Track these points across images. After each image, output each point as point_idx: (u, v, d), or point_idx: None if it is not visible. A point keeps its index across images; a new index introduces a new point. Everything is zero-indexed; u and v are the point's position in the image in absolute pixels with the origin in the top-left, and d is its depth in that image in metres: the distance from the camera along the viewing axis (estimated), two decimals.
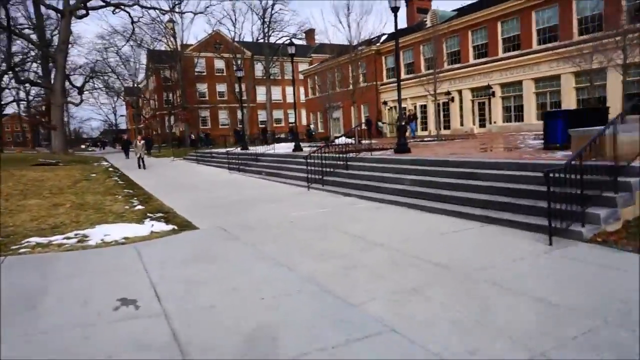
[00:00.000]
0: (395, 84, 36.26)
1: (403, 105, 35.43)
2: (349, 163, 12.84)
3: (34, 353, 3.48)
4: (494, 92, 27.78)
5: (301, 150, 19.17)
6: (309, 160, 12.62)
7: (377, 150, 14.67)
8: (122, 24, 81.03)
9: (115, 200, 11.59)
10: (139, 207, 10.46)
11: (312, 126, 48.95)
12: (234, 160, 19.50)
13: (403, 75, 35.28)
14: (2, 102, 46.15)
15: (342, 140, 19.17)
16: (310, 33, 68.50)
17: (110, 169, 22.98)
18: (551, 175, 5.83)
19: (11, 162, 25.71)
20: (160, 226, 8.10)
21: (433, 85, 23.76)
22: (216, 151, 24.98)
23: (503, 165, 9.02)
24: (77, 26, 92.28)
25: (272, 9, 53.34)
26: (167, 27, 53.53)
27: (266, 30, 54.31)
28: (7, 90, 46.55)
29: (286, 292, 4.66)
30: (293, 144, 20.89)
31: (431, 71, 26.53)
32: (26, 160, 27.53)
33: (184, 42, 55.63)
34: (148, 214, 9.47)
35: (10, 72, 30.30)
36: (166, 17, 55.23)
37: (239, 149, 24.60)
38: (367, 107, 39.00)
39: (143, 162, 22.32)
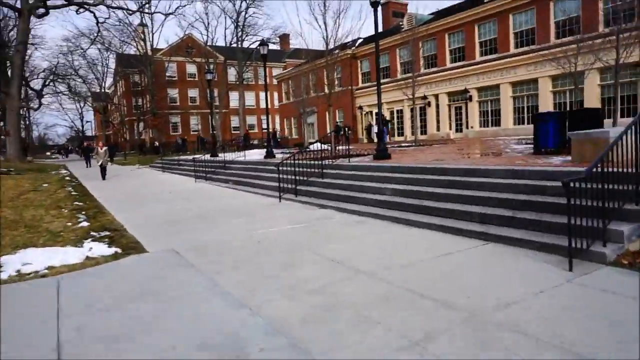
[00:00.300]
0: (370, 89, 35.63)
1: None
2: (324, 171, 11.66)
3: None
4: (471, 97, 27.16)
5: (273, 157, 17.92)
6: (281, 168, 11.37)
7: (355, 157, 13.55)
8: (89, 26, 77.93)
9: (59, 216, 10.09)
10: (84, 223, 9.01)
11: (277, 132, 47.68)
12: (200, 168, 18.07)
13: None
14: None
15: (317, 146, 18.09)
16: (284, 38, 67.45)
17: (68, 178, 21.18)
18: (572, 185, 4.78)
19: None
20: (101, 249, 6.72)
21: (411, 89, 22.89)
22: (184, 158, 23.47)
23: (496, 173, 7.99)
24: (40, 28, 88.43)
25: (246, 12, 52.03)
26: (137, 31, 51.57)
27: (239, 34, 52.93)
28: None
29: (244, 351, 3.41)
30: (265, 150, 19.62)
31: (409, 75, 25.74)
32: None
33: (155, 46, 53.76)
34: (92, 233, 8.06)
35: None
36: (135, 20, 53.41)
37: (207, 155, 23.19)
38: (342, 112, 38.02)
39: (104, 171, 19.72)
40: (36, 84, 43.04)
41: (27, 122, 61.30)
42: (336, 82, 38.32)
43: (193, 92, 60.51)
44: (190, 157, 22.40)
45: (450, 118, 29.18)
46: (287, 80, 44.98)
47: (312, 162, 11.92)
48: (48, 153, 76.99)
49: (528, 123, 24.16)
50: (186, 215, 9.70)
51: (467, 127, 27.85)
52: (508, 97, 25.11)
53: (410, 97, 23.53)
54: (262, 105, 66.68)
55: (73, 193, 14.97)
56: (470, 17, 26.64)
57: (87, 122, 69.11)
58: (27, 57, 52.60)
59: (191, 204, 11.49)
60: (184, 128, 59.59)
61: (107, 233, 8.13)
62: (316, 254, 6.03)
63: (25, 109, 42.49)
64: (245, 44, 54.23)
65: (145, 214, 10.11)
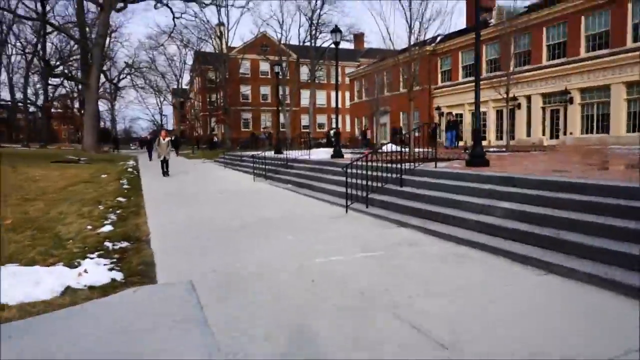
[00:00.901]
0: (451, 88, 32.33)
1: (459, 111, 31.29)
2: (404, 177, 9.15)
3: None
4: (571, 98, 23.20)
5: (341, 157, 15.62)
6: (349, 171, 9.01)
7: (442, 161, 10.88)
8: (170, 25, 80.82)
9: (87, 214, 8.44)
10: (106, 228, 7.21)
11: (332, 131, 45.09)
12: (261, 166, 16.18)
13: (461, 79, 31.17)
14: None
15: (390, 147, 15.75)
16: (359, 37, 65.16)
17: (130, 169, 20.27)
18: None
19: (36, 158, 23.65)
20: (96, 274, 4.75)
21: (505, 88, 19.68)
22: (247, 154, 21.84)
23: None
24: (127, 28, 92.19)
25: (321, 9, 50.37)
26: (214, 29, 51.63)
27: (313, 32, 51.39)
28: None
29: None
30: (332, 149, 17.39)
31: (500, 72, 22.43)
32: (55, 156, 25.49)
33: (230, 44, 53.56)
34: (105, 244, 6.18)
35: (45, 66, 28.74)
36: (213, 19, 53.69)
37: (271, 152, 21.43)
38: (417, 113, 34.97)
39: (167, 165, 17.27)
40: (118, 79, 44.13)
41: (112, 114, 63.89)
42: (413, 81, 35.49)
43: (265, 90, 59.93)
44: (255, 154, 20.76)
45: (544, 122, 25.29)
46: (360, 79, 42.59)
47: (388, 165, 9.45)
48: (132, 145, 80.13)
49: None
50: (231, 225, 7.64)
51: (564, 133, 23.90)
52: (621, 99, 20.98)
53: (499, 97, 20.29)
54: (334, 104, 64.89)
55: (124, 186, 13.61)
56: (576, 7, 22.70)
57: (164, 115, 70.97)
58: (110, 52, 54.91)
59: (241, 209, 9.46)
60: (255, 125, 59.11)
61: (124, 245, 6.23)
62: (403, 321, 3.59)
63: (109, 101, 43.62)
64: (319, 42, 52.66)
65: (183, 219, 8.20)
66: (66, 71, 35.06)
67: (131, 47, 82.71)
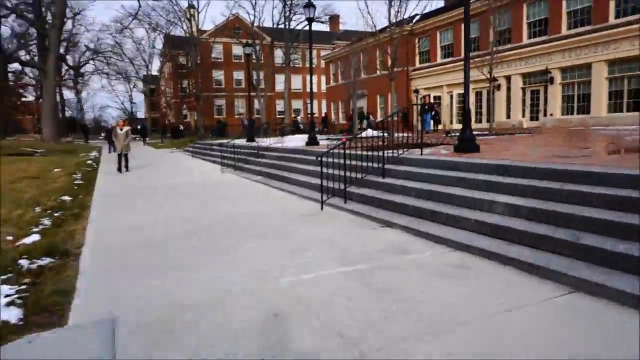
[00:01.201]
0: (429, 69, 31.34)
1: (438, 93, 30.35)
2: (387, 167, 8.07)
3: None
4: (552, 78, 22.49)
5: (317, 144, 14.46)
6: (325, 160, 7.87)
7: (427, 147, 9.83)
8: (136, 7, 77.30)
9: (17, 219, 7.10)
10: (31, 238, 5.91)
11: (299, 118, 44.21)
12: (230, 155, 14.88)
13: (439, 59, 30.17)
14: None
15: (369, 133, 14.74)
16: (334, 19, 63.57)
17: (90, 161, 18.68)
18: None
19: None
20: None
21: (488, 67, 18.76)
22: (217, 143, 20.48)
23: None
24: (91, 11, 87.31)
25: None
26: (185, 12, 49.26)
27: (287, 13, 49.55)
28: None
29: None
30: (307, 136, 16.21)
31: (482, 52, 21.51)
32: (8, 148, 23.55)
33: (200, 27, 51.26)
34: (20, 261, 4.91)
35: None
36: (183, 2, 51.26)
37: (243, 140, 20.13)
38: (395, 96, 33.95)
39: (126, 160, 14.53)
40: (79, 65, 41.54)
41: (79, 103, 60.89)
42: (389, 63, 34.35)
43: (238, 75, 57.95)
44: (223, 142, 19.45)
45: (524, 104, 24.57)
46: (335, 61, 41.25)
47: (368, 154, 8.34)
48: (102, 135, 77.03)
49: (629, 110, 19.42)
50: (184, 229, 6.43)
51: (544, 115, 23.25)
52: (602, 78, 20.32)
53: (479, 78, 19.38)
54: (309, 88, 63.41)
55: (76, 182, 12.18)
56: None
57: (134, 103, 68.17)
58: (73, 38, 51.98)
59: (202, 206, 8.24)
60: (229, 111, 57.27)
61: (45, 262, 4.97)
62: None
63: (71, 89, 41.11)
64: (293, 24, 50.87)
65: (130, 223, 6.95)
66: (25, 57, 32.64)
67: (96, 31, 78.11)
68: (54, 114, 27.99)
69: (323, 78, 63.16)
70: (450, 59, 28.67)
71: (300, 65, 61.12)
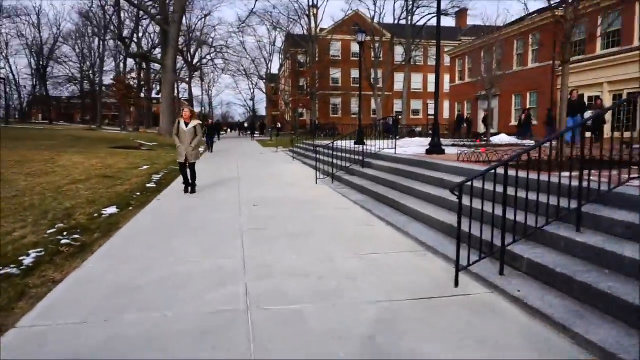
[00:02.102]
0: (584, 64, 25.11)
1: (596, 93, 24.17)
2: (589, 208, 4.26)
3: None
4: None
5: (441, 152, 10.75)
6: (470, 184, 4.33)
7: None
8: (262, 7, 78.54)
9: (10, 242, 4.82)
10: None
11: (391, 118, 38.60)
12: (330, 161, 11.82)
13: (599, 50, 23.94)
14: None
15: (503, 139, 11.03)
16: (462, 14, 57.70)
17: None
18: None
19: (103, 142, 21.71)
20: None
21: None
22: (323, 144, 17.70)
23: None
24: (220, 12, 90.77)
25: None
26: (304, 9, 48.05)
27: (410, 7, 45.48)
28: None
29: None
30: (428, 140, 12.50)
31: None
32: (123, 140, 23.60)
33: (319, 24, 49.66)
34: None
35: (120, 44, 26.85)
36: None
37: (352, 143, 17.07)
38: (534, 96, 28.20)
39: (192, 174, 9.48)
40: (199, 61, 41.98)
41: (209, 98, 63.74)
42: (530, 56, 28.67)
43: (356, 73, 55.24)
44: (328, 144, 16.58)
45: None
46: (462, 57, 36.20)
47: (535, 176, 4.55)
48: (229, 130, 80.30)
49: None
50: (213, 303, 3.48)
51: None
52: None
53: None
54: (430, 89, 58.33)
55: (147, 186, 10.16)
56: None
57: (249, 100, 69.52)
58: (204, 37, 53.94)
59: (257, 251, 5.22)
60: (344, 110, 55.01)
61: None
62: None
63: (186, 83, 41.90)
64: (415, 19, 46.63)
65: (133, 272, 4.21)
66: (142, 51, 33.78)
67: (223, 30, 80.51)
68: (172, 108, 27.84)
69: (446, 77, 57.86)
70: (615, 49, 22.42)
71: (422, 64, 56.56)
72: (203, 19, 51.04)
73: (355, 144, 17.36)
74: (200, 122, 10.32)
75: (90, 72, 56.04)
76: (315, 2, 47.30)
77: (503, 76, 20.95)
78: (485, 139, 18.10)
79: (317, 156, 12.24)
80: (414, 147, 13.79)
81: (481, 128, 33.27)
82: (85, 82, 58.09)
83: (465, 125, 32.96)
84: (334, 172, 11.21)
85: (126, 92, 20.16)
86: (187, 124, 9.23)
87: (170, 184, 10.96)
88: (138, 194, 9.09)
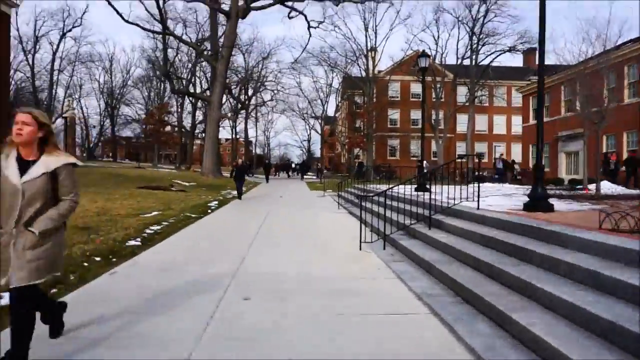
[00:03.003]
0: None
1: None
2: None
3: None
4: None
5: (550, 209, 7.01)
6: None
7: None
8: (319, 47, 77.71)
9: None
10: None
11: (425, 163, 34.02)
12: (381, 212, 8.40)
13: None
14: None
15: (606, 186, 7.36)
16: (530, 53, 53.25)
17: (215, 204, 14.43)
18: None
19: (136, 181, 19.67)
20: None
21: None
22: (376, 191, 14.34)
23: None
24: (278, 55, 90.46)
25: (485, 17, 40.88)
26: (362, 50, 46.05)
27: (474, 45, 42.02)
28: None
29: None
30: (504, 187, 8.72)
31: None
32: (162, 179, 21.56)
33: (377, 64, 47.29)
34: None
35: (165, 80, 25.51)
36: (361, 38, 48.30)
37: (412, 189, 13.64)
38: (633, 136, 23.31)
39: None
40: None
41: (266, 140, 62.76)
42: (627, 92, 24.01)
43: (415, 114, 51.92)
44: (379, 189, 13.21)
45: None
46: (533, 95, 31.77)
47: None
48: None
49: None
50: None
51: None
52: None
53: None
54: (496, 130, 53.57)
55: (124, 242, 7.29)
56: None
57: (305, 141, 67.74)
58: (262, 78, 53.33)
59: None
60: (402, 152, 51.44)
61: None
62: None
63: (231, 120, 40.33)
64: (481, 57, 42.97)
65: None
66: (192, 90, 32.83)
67: (280, 69, 79.40)
68: (217, 146, 25.81)
69: (513, 119, 52.92)
70: None
71: (487, 105, 52.24)
72: (262, 62, 50.53)
73: (416, 189, 13.80)
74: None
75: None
76: (373, 44, 45.18)
77: (613, 109, 16.70)
78: (591, 189, 13.90)
79: (363, 204, 8.82)
80: (497, 197, 10.04)
81: (562, 172, 28.40)
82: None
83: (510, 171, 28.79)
84: (388, 231, 7.76)
85: (158, 128, 18.57)
86: (24, 162, 2.83)
87: (166, 238, 8.05)
88: (98, 259, 6.15)
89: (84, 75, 55.81)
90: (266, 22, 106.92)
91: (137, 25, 23.71)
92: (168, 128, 41.31)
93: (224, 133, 79.66)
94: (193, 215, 11.19)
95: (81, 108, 57.61)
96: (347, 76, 50.93)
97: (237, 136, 62.58)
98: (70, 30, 46.18)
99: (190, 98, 35.56)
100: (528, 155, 32.11)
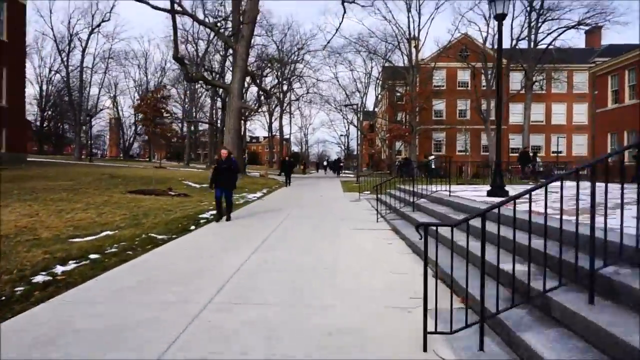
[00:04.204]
0: None
1: None
2: None
3: None
4: None
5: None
6: None
7: None
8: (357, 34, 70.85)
9: None
10: None
11: (432, 157, 28.31)
12: (437, 226, 4.19)
13: None
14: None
15: None
16: (593, 33, 46.49)
17: (210, 212, 10.64)
18: None
19: (134, 183, 16.25)
20: None
21: None
22: (434, 192, 9.96)
23: None
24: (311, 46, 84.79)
25: None
26: (404, 33, 41.23)
27: (533, 22, 36.24)
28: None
29: None
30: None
31: None
32: (170, 180, 18.13)
33: (421, 49, 42.23)
34: None
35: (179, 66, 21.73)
36: (402, 19, 43.34)
37: (483, 193, 9.33)
38: None
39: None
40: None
41: (305, 137, 59.11)
42: None
43: (462, 104, 46.52)
44: (444, 192, 8.87)
45: None
46: (613, 74, 25.95)
47: None
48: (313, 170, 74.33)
49: None
50: None
51: None
52: None
53: None
54: (554, 121, 47.05)
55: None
56: None
57: (342, 136, 63.49)
58: (294, 72, 49.51)
59: None
60: (449, 147, 46.17)
61: None
62: None
63: (251, 112, 36.38)
64: (540, 37, 37.10)
65: None
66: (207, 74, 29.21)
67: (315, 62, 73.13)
68: (238, 141, 22.11)
69: (578, 107, 46.32)
70: None
71: (544, 92, 45.88)
72: (297, 53, 46.78)
73: (489, 194, 9.47)
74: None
75: (192, 111, 54.85)
76: (417, 25, 40.19)
77: None
78: None
79: (425, 236, 4.48)
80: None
81: None
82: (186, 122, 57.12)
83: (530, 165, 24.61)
84: (492, 303, 3.42)
85: (153, 116, 15.13)
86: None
87: (49, 299, 4.19)
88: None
89: (119, 73, 54.07)
90: (300, 14, 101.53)
91: (146, 2, 20.27)
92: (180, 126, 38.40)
93: (261, 131, 76.62)
94: (160, 237, 7.33)
95: (116, 107, 56.03)
96: (387, 64, 46.24)
97: (273, 134, 59.36)
98: (99, 26, 43.86)
99: (217, 89, 32.03)
100: (605, 147, 26.33)
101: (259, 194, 16.63)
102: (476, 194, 9.54)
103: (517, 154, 32.19)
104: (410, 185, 12.54)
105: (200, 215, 10.02)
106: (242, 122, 56.13)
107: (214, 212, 10.08)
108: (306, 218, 10.37)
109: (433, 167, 27.07)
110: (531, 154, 27.49)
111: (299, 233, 8.23)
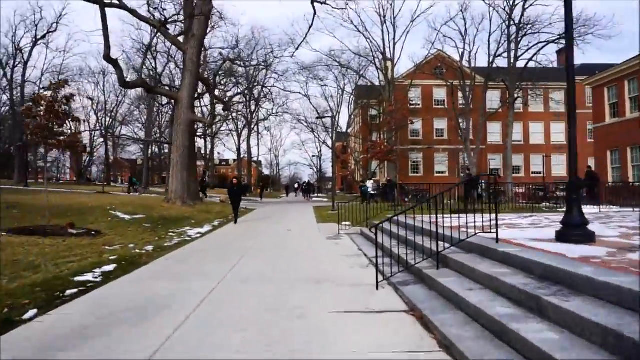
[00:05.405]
0: None
1: None
2: None
3: None
4: None
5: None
6: None
7: None
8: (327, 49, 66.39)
9: None
10: None
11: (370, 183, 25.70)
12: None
13: None
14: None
15: None
16: (564, 53, 44.71)
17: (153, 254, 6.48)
18: None
19: (22, 214, 11.74)
20: None
21: None
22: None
23: None
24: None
25: (524, 4, 32.75)
26: (378, 48, 38.43)
27: (512, 35, 33.93)
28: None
29: None
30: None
31: None
32: (92, 209, 13.76)
33: (395, 65, 39.35)
34: None
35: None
36: (376, 32, 40.66)
37: (549, 232, 5.38)
38: None
39: None
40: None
41: (276, 159, 54.95)
42: None
43: (440, 124, 43.81)
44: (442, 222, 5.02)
45: None
46: (611, 84, 23.28)
47: None
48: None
49: None
50: None
51: None
52: None
53: None
54: (533, 140, 44.74)
55: None
56: None
57: (314, 157, 59.97)
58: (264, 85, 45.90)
59: None
60: (426, 168, 43.10)
61: None
62: None
63: (207, 126, 32.14)
64: (520, 52, 34.78)
65: None
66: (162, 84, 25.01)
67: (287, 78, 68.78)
68: (189, 161, 17.85)
69: (555, 127, 44.21)
70: None
71: (521, 111, 43.61)
72: (266, 68, 43.21)
73: (559, 238, 5.50)
74: None
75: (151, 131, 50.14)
76: (392, 38, 37.39)
77: None
78: None
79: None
80: None
81: None
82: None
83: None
84: None
85: (49, 122, 11.64)
86: None
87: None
88: None
89: (72, 90, 48.81)
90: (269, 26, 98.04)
91: None
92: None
93: (230, 154, 71.90)
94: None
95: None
96: (361, 81, 43.27)
97: (242, 156, 55.10)
98: (44, 37, 38.93)
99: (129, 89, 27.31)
100: (605, 166, 23.42)
101: (206, 228, 12.42)
102: (543, 235, 5.72)
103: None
104: (411, 215, 8.67)
105: (76, 278, 5.77)
106: (207, 140, 51.88)
107: (112, 268, 5.87)
108: (256, 282, 6.15)
109: (371, 191, 23.61)
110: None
111: (231, 328, 4.11)
